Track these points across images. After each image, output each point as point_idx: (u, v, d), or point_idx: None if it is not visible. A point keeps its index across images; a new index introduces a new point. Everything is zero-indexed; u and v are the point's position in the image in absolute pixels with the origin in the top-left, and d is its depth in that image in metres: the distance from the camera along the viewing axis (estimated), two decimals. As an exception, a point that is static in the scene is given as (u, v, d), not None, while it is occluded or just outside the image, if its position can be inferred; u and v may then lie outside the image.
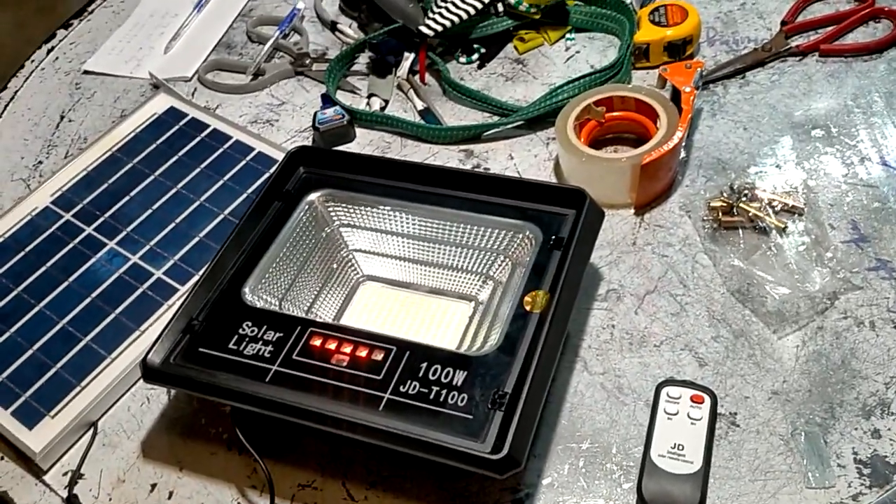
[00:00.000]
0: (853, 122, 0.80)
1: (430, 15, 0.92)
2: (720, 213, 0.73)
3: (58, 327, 0.73)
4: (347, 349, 0.61)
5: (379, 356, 0.60)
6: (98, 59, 1.04)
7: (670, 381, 0.64)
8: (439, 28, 0.90)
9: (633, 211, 0.77)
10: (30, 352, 0.72)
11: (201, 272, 0.67)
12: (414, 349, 0.60)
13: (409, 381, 0.58)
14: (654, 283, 0.71)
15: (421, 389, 0.58)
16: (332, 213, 0.74)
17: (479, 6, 0.91)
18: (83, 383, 0.69)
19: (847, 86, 0.84)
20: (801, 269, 0.69)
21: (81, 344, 0.72)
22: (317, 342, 0.62)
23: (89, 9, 1.13)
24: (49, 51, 1.07)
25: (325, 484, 0.63)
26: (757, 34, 0.90)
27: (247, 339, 0.63)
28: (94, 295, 0.75)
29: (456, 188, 0.71)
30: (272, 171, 0.74)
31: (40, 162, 0.93)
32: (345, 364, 0.60)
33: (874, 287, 0.68)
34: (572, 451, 0.63)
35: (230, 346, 0.62)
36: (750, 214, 0.72)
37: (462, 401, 0.57)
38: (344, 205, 0.74)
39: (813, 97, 0.83)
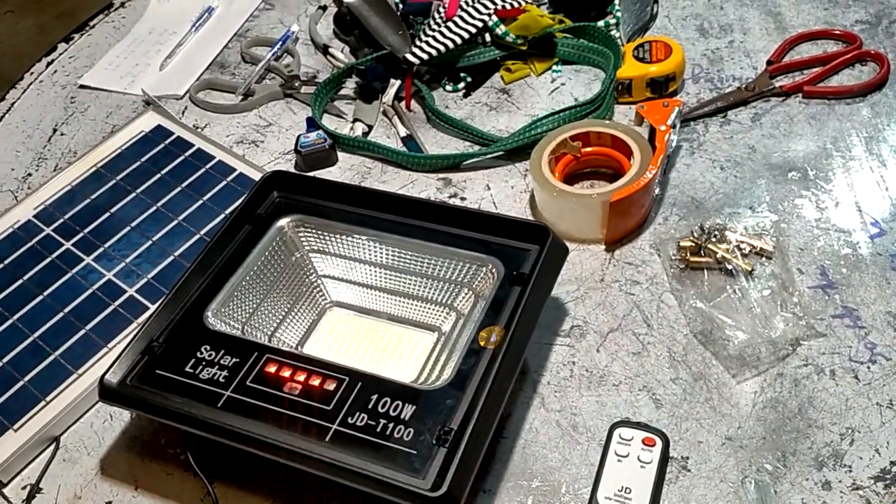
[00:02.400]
0: (831, 166, 0.80)
1: (418, 43, 0.93)
2: (688, 253, 0.73)
3: (28, 341, 0.74)
4: (301, 377, 0.61)
5: (331, 386, 0.61)
6: (94, 73, 1.06)
7: (624, 423, 0.63)
8: (425, 56, 0.91)
9: (603, 247, 0.77)
10: (-1, 364, 0.73)
11: (166, 294, 0.68)
12: (366, 380, 0.61)
13: (357, 413, 0.59)
14: (619, 322, 0.71)
15: (368, 422, 0.58)
16: (303, 239, 0.74)
17: (467, 36, 0.92)
18: (48, 398, 0.70)
19: (828, 128, 0.83)
20: (763, 313, 0.68)
21: (50, 358, 0.73)
22: (271, 369, 0.62)
23: (91, 23, 1.15)
24: (48, 64, 1.09)
25: (276, 510, 0.64)
26: (742, 73, 0.90)
27: (204, 363, 0.63)
28: (66, 310, 0.76)
29: (425, 219, 0.71)
30: (246, 194, 0.75)
31: (30, 174, 0.94)
32: (297, 392, 0.61)
33: (838, 335, 0.68)
34: (522, 488, 0.63)
35: (187, 369, 0.63)
36: (717, 256, 0.72)
37: (408, 435, 0.57)
38: (315, 230, 0.74)
39: (793, 139, 0.83)
